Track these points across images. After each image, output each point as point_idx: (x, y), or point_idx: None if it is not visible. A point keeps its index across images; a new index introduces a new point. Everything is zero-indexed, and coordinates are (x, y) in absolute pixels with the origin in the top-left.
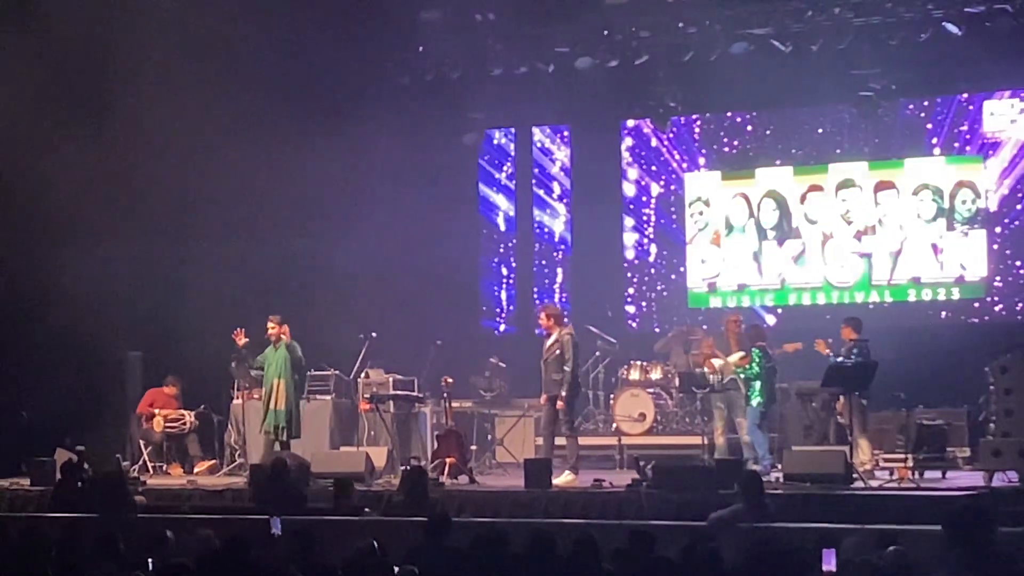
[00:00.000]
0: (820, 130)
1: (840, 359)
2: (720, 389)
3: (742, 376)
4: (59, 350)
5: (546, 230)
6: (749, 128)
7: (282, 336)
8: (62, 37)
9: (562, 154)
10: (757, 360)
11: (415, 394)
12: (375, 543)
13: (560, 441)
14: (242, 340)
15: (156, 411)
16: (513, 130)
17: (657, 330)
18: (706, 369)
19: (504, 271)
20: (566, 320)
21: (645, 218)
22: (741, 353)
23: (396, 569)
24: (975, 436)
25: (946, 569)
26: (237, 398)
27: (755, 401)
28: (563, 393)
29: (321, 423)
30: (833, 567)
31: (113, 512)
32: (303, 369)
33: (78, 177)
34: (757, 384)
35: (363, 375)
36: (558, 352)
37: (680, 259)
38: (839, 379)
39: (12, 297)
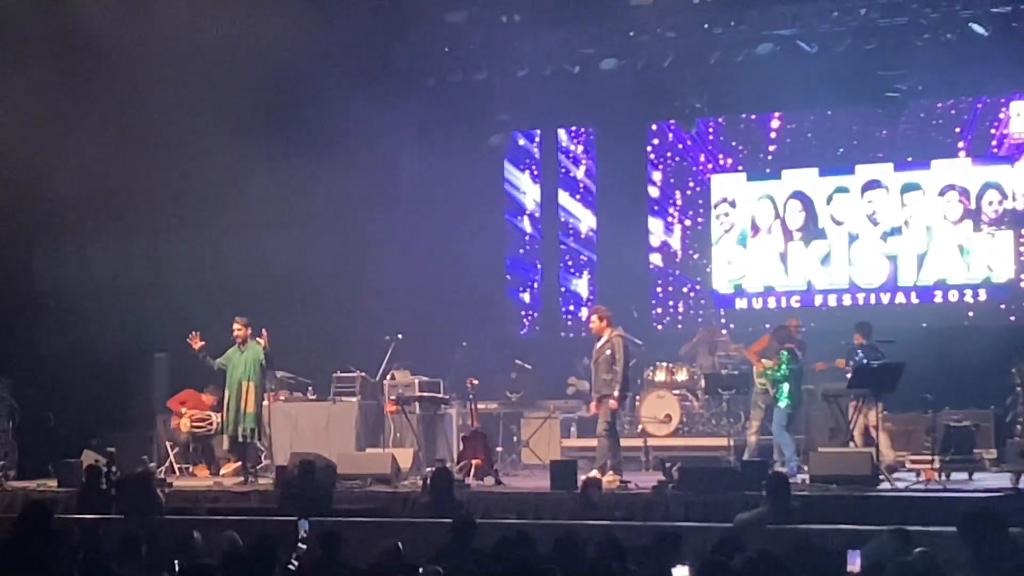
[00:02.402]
0: (846, 131)
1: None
2: (746, 390)
3: (770, 377)
4: (85, 352)
5: (571, 232)
6: (775, 129)
7: (250, 339)
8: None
9: (587, 156)
10: (785, 362)
11: (441, 396)
12: (399, 544)
13: (592, 442)
14: (197, 344)
15: (184, 410)
16: (538, 132)
17: (680, 327)
18: (755, 368)
19: (529, 273)
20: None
21: (670, 220)
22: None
23: (420, 570)
24: (1002, 437)
25: (962, 570)
26: (263, 400)
27: (783, 403)
28: (615, 393)
29: (347, 425)
30: (858, 567)
31: (140, 513)
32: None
33: (103, 181)
34: (785, 386)
35: (389, 377)
36: (608, 352)
37: (706, 260)
38: (866, 380)
39: (38, 300)
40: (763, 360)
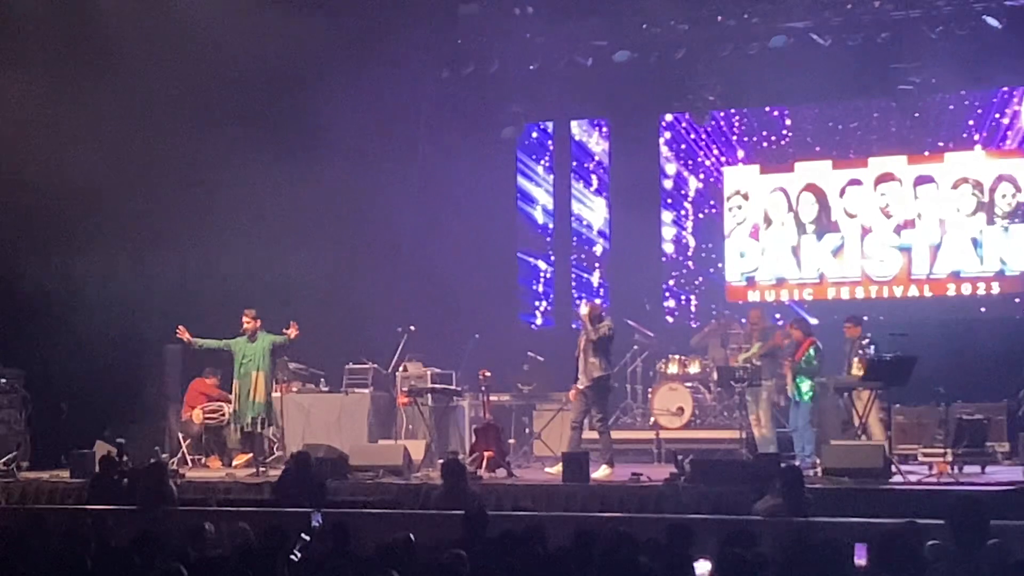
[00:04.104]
0: (859, 124)
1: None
2: (758, 383)
3: (803, 371)
4: (98, 343)
5: (584, 224)
6: (788, 122)
7: (260, 331)
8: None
9: (600, 148)
10: (815, 354)
11: (453, 387)
12: (411, 536)
13: (591, 435)
14: (186, 336)
15: (206, 400)
16: (551, 124)
17: (694, 324)
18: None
19: (542, 265)
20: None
21: (683, 212)
22: (759, 344)
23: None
24: (1014, 430)
25: (947, 561)
26: (276, 391)
27: (807, 396)
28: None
29: (359, 416)
30: (864, 561)
31: (153, 504)
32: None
33: (116, 174)
34: (808, 381)
35: (401, 368)
36: (596, 338)
37: (718, 253)
38: (880, 374)
39: (53, 292)
40: (747, 353)
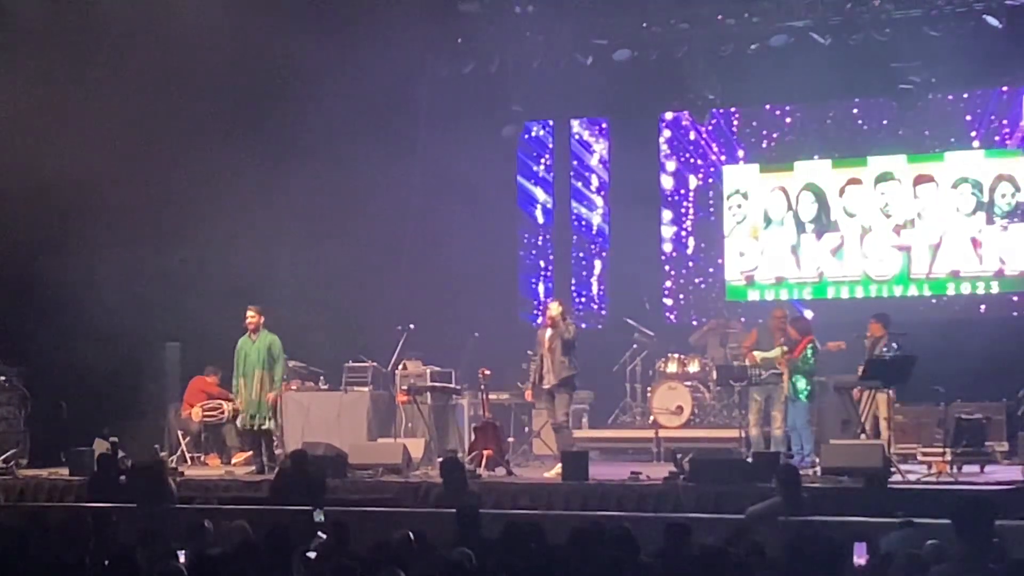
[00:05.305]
0: (859, 123)
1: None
2: (758, 382)
3: (801, 370)
4: (98, 341)
5: (584, 222)
6: (788, 121)
7: (263, 327)
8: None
9: (600, 146)
10: (812, 354)
11: (453, 386)
12: (411, 534)
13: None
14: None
15: (206, 398)
16: (551, 122)
17: (695, 323)
18: (747, 361)
19: (542, 263)
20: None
21: (683, 211)
22: (784, 348)
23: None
24: (1014, 430)
25: (952, 561)
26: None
27: (803, 395)
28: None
29: (359, 415)
30: (864, 561)
31: (152, 502)
32: (283, 359)
33: (116, 171)
34: (807, 379)
35: (401, 367)
36: (565, 338)
37: (718, 252)
38: (879, 373)
39: (52, 289)
40: (769, 354)
